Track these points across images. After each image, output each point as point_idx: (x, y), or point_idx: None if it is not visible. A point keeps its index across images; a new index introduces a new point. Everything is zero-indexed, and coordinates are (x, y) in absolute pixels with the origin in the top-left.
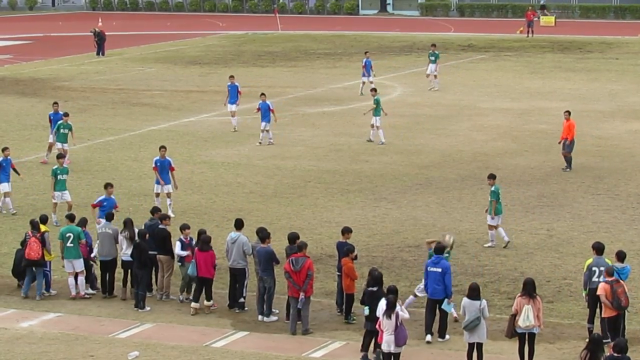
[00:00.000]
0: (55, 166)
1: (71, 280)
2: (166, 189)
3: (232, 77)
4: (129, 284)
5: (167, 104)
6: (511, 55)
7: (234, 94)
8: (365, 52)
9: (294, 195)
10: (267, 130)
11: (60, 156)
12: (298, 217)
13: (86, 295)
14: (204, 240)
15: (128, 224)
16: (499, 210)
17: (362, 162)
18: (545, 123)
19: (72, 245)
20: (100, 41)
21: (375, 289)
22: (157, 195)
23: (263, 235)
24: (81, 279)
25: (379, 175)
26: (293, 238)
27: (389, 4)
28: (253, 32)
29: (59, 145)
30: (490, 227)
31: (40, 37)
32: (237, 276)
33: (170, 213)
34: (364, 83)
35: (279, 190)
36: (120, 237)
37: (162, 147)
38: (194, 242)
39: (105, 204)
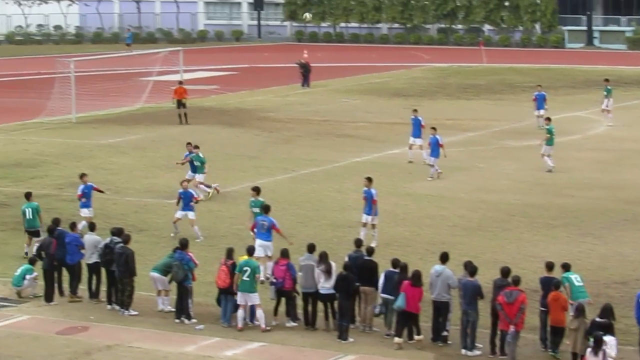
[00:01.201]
0: (252, 198)
1: (240, 312)
2: (371, 220)
3: (415, 110)
4: (330, 316)
5: (372, 135)
6: None
7: (417, 128)
8: (538, 86)
9: (498, 229)
10: (432, 165)
11: (255, 189)
12: (502, 251)
13: (268, 328)
14: (415, 276)
15: (324, 257)
16: None
17: (567, 196)
18: None
19: (247, 279)
20: (305, 72)
21: (603, 320)
22: (364, 225)
23: (472, 269)
24: (260, 312)
25: (585, 210)
26: (506, 272)
27: (596, 37)
28: (458, 65)
29: (190, 175)
30: None
31: (246, 68)
32: (441, 309)
33: (373, 244)
34: (537, 117)
35: (483, 223)
36: (317, 271)
37: (367, 178)
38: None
39: None
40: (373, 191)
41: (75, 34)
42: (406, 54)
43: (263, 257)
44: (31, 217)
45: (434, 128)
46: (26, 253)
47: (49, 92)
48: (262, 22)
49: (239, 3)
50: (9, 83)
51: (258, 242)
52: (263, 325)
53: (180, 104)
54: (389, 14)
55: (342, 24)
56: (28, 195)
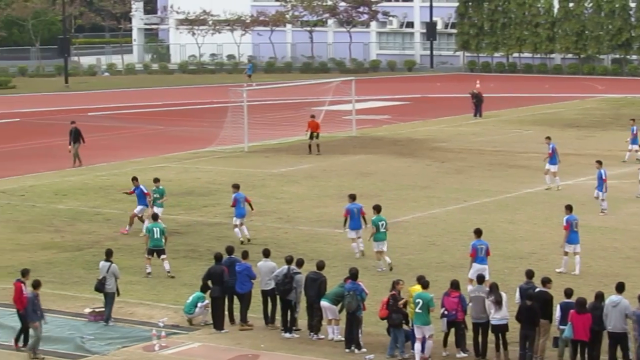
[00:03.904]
0: (374, 216)
1: (417, 345)
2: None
3: (548, 137)
4: (501, 347)
5: (544, 166)
6: None
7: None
8: (631, 120)
9: None
10: (603, 200)
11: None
12: None
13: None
14: (580, 303)
15: (494, 288)
16: None
17: None
18: None
19: (420, 311)
20: (478, 103)
21: None
22: (566, 253)
23: None
24: (429, 342)
25: None
26: None
27: None
28: (632, 96)
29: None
30: None
31: (418, 97)
32: (618, 340)
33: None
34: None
35: None
36: (487, 302)
37: (568, 206)
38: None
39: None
40: (572, 218)
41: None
42: (579, 84)
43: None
44: (158, 236)
45: (598, 161)
46: (149, 273)
47: (222, 121)
48: (435, 52)
49: (412, 33)
50: (182, 112)
51: (477, 267)
52: (426, 355)
53: (313, 136)
54: (562, 44)
55: (515, 54)
56: (155, 217)
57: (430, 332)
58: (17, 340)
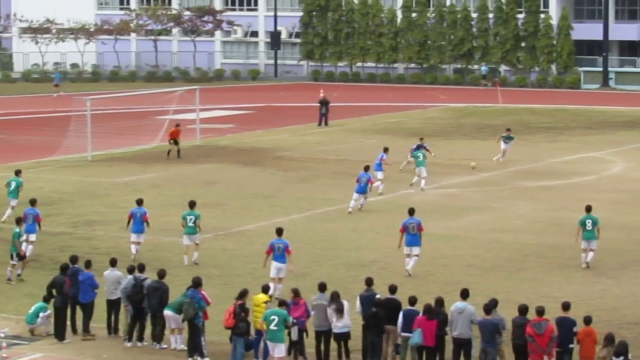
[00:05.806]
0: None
1: None
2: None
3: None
4: (344, 355)
5: (387, 175)
6: None
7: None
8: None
9: (512, 269)
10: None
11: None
12: (516, 291)
13: None
14: (430, 309)
15: (335, 296)
16: None
17: None
18: None
19: (275, 328)
20: (326, 111)
21: (622, 358)
22: (408, 255)
23: (486, 307)
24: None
25: (599, 250)
26: (524, 310)
27: (611, 78)
28: (474, 105)
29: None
30: None
31: (263, 107)
32: (464, 346)
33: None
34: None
35: (497, 263)
36: (329, 310)
37: (410, 210)
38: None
39: None
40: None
41: (92, 72)
42: (422, 94)
43: (275, 278)
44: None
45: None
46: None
47: (65, 130)
48: (279, 62)
49: (256, 42)
50: (25, 121)
51: (274, 264)
52: None
53: (175, 142)
54: (405, 54)
55: (359, 64)
56: (19, 220)
57: (282, 351)
58: None
